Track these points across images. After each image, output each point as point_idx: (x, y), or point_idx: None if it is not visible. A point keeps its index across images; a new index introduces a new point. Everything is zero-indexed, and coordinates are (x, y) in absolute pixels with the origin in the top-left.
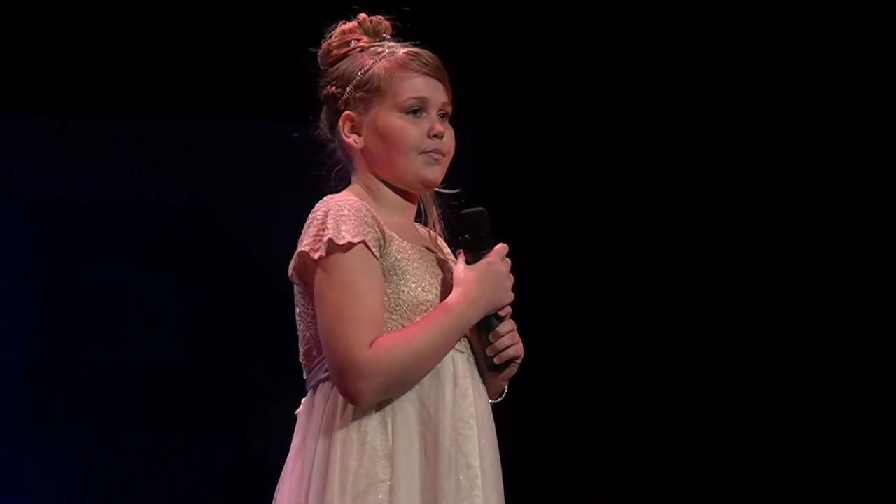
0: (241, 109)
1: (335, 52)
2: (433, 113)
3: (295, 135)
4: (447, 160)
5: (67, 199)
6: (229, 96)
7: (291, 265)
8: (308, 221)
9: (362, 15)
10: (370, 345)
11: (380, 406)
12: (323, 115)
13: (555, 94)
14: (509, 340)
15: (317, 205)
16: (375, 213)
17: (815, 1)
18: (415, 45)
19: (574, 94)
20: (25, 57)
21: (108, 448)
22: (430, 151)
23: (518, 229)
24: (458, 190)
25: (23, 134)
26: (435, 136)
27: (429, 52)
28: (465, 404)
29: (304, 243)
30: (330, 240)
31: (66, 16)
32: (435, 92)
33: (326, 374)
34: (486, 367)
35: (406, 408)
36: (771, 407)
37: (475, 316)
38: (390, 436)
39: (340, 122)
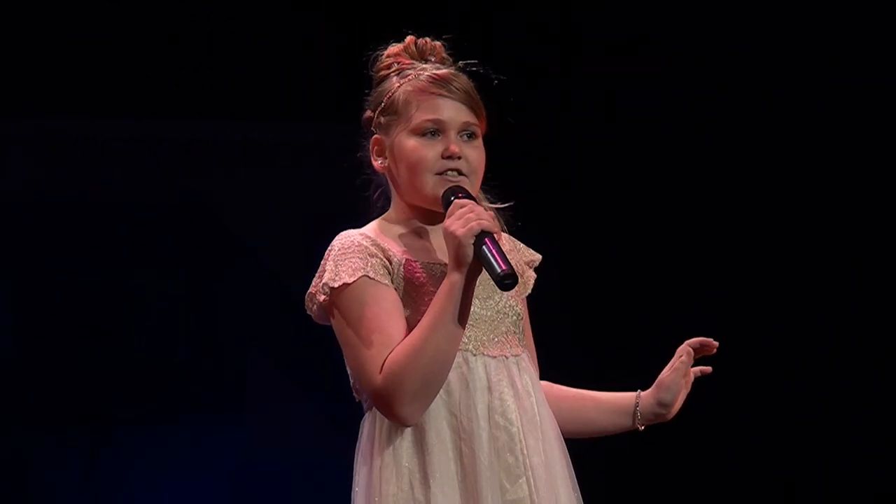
0: (241, 109)
1: (377, 75)
2: (451, 134)
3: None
4: (471, 181)
5: (68, 199)
6: (229, 96)
7: (307, 308)
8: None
9: (410, 37)
10: (381, 369)
11: (414, 428)
12: None
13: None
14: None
15: (333, 241)
16: (384, 241)
17: (816, 2)
18: (456, 67)
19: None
20: (25, 57)
21: (108, 448)
22: (446, 172)
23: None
24: (510, 203)
25: (23, 134)
26: (449, 157)
27: (459, 76)
28: (500, 406)
29: (312, 285)
30: (326, 284)
31: (67, 16)
32: (454, 113)
33: (366, 404)
34: (499, 286)
35: (439, 424)
36: (771, 408)
37: (458, 275)
38: (425, 454)
39: (371, 146)
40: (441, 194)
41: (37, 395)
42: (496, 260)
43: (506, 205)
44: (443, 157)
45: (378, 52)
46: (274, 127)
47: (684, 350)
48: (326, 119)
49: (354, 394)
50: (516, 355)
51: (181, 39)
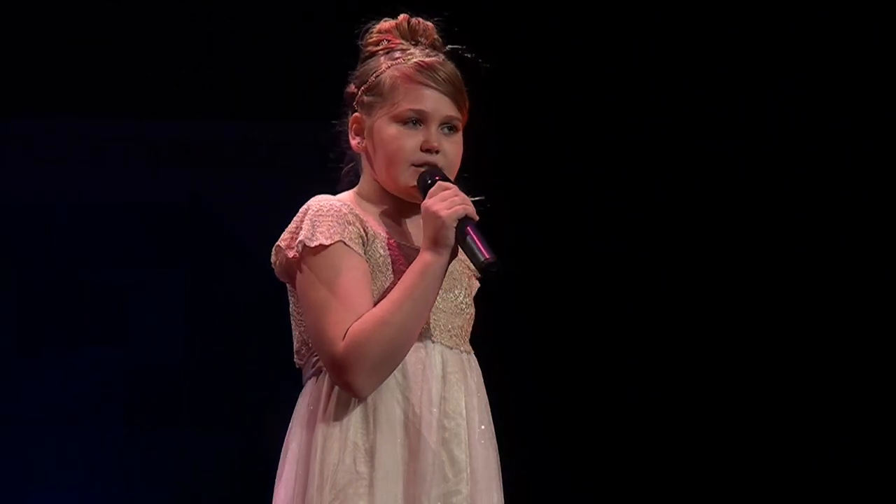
0: (241, 109)
1: (365, 50)
2: (433, 126)
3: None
4: (449, 176)
5: (67, 199)
6: (229, 96)
7: (273, 261)
8: (293, 219)
9: (404, 15)
10: (344, 336)
11: (363, 402)
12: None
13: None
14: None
15: (306, 203)
16: (362, 213)
17: (816, 3)
18: (443, 53)
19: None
20: (25, 57)
21: (108, 448)
22: (422, 165)
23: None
24: (481, 197)
25: (23, 134)
26: (428, 150)
27: (446, 65)
28: (453, 399)
29: (281, 238)
30: (301, 242)
31: (67, 16)
32: (438, 105)
33: (313, 369)
34: (483, 273)
35: (390, 404)
36: (771, 409)
37: (435, 256)
38: (372, 431)
39: (350, 122)
40: (416, 181)
41: (36, 395)
42: (479, 248)
43: (477, 199)
44: (421, 150)
45: (369, 25)
46: (274, 127)
47: None
48: (326, 119)
49: (296, 358)
50: (468, 352)
51: (181, 39)
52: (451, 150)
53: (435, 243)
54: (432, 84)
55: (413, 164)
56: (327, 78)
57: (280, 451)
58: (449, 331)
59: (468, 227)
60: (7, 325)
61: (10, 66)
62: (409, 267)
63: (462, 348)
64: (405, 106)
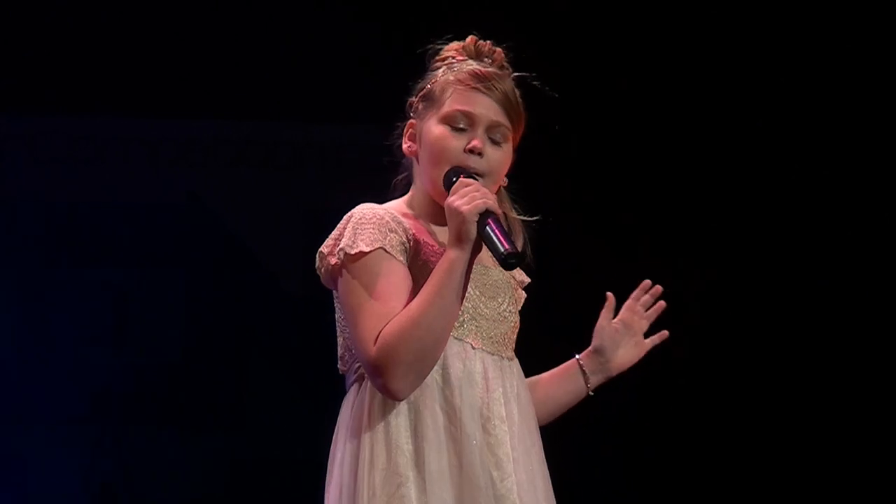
0: (241, 109)
1: (431, 65)
2: (479, 129)
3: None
4: (487, 182)
5: (67, 199)
6: (229, 96)
7: (317, 266)
8: (338, 224)
9: (472, 37)
10: (377, 340)
11: (407, 407)
12: None
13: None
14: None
15: (353, 209)
16: (407, 221)
17: (816, 3)
18: (510, 75)
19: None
20: (25, 57)
21: (108, 448)
22: (465, 168)
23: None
24: (537, 217)
25: (23, 134)
26: (471, 151)
27: (504, 78)
28: (494, 405)
29: (325, 244)
30: (342, 249)
31: (67, 15)
32: (487, 110)
33: (356, 374)
34: (503, 265)
35: (433, 408)
36: (770, 410)
37: (459, 252)
38: (418, 436)
39: (405, 129)
40: (441, 180)
41: (36, 395)
42: (500, 239)
43: (533, 218)
44: (465, 151)
45: (439, 46)
46: (274, 127)
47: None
48: (326, 119)
49: (339, 364)
50: (510, 359)
51: (181, 39)
52: (496, 158)
53: (458, 238)
54: (484, 90)
55: (454, 167)
56: (328, 79)
57: (279, 450)
58: (491, 338)
59: (489, 220)
60: (7, 325)
61: (10, 66)
62: (436, 266)
63: (504, 355)
64: (453, 106)
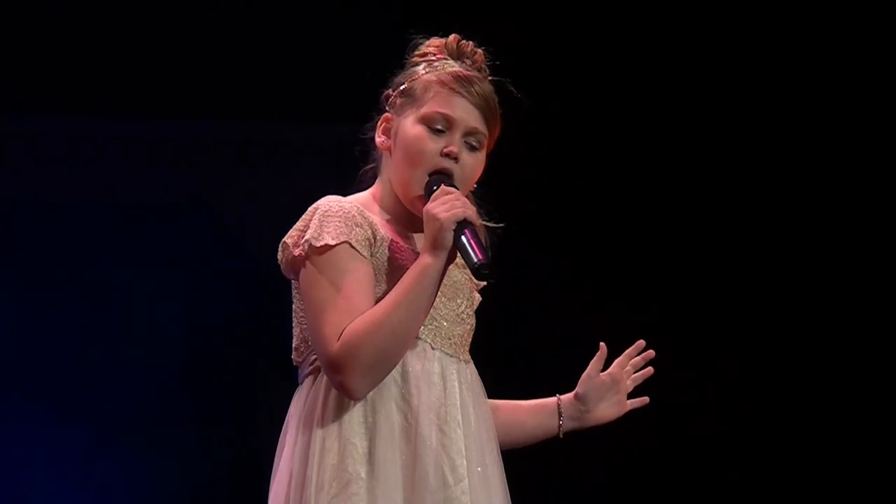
0: (241, 109)
1: (410, 60)
2: (457, 134)
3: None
4: (460, 188)
5: (67, 199)
6: (229, 96)
7: (280, 257)
8: (303, 215)
9: (455, 35)
10: (339, 337)
11: (362, 403)
12: None
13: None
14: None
15: (318, 201)
16: (374, 216)
17: (817, 3)
18: (489, 77)
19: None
20: (25, 57)
21: (108, 448)
22: (437, 171)
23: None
24: (501, 225)
25: (23, 134)
26: (447, 155)
27: (484, 83)
28: (451, 407)
29: (288, 235)
30: (307, 241)
31: (66, 15)
32: (466, 115)
33: (311, 367)
34: (475, 275)
35: (389, 407)
36: (771, 409)
37: (433, 259)
38: (371, 433)
39: (379, 121)
40: (423, 188)
41: (36, 395)
42: (474, 250)
43: (498, 225)
44: (441, 154)
45: (420, 41)
46: (274, 127)
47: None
48: (326, 119)
49: (294, 355)
50: (467, 361)
51: (182, 39)
52: (470, 164)
53: (433, 245)
54: (465, 94)
55: (429, 172)
56: (328, 79)
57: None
58: (449, 339)
59: (466, 230)
60: (7, 325)
61: (10, 66)
62: (408, 270)
63: (461, 357)
64: (433, 108)
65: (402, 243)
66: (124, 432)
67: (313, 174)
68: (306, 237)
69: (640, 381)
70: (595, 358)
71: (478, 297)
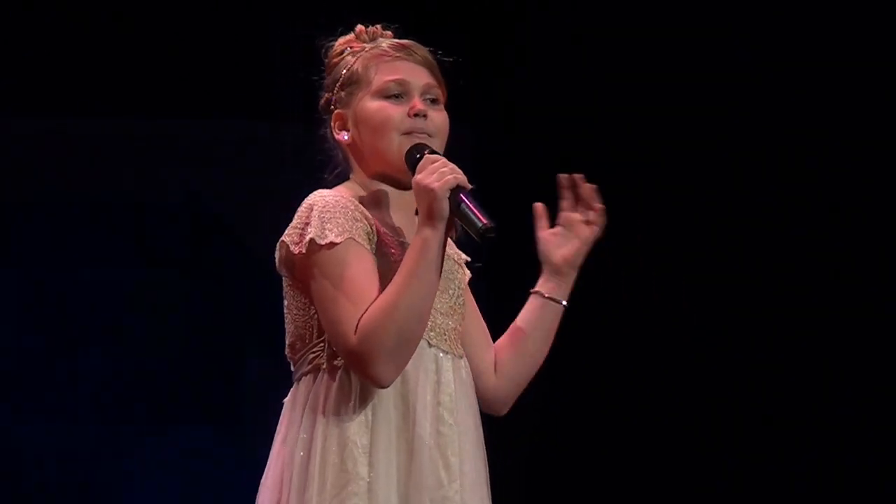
0: (240, 109)
1: (331, 62)
2: (415, 95)
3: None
4: (436, 143)
5: (68, 198)
6: (229, 96)
7: (276, 256)
8: (296, 214)
9: (359, 26)
10: (356, 328)
11: (361, 401)
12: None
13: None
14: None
15: (306, 198)
16: (365, 209)
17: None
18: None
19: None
20: (25, 57)
21: (108, 448)
22: (413, 132)
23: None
24: (471, 187)
25: (23, 134)
26: (416, 115)
27: (416, 44)
28: (446, 402)
29: (286, 234)
30: (311, 240)
31: (66, 15)
32: (415, 75)
33: (310, 366)
34: (480, 239)
35: (386, 404)
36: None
37: (431, 231)
38: (370, 431)
39: (331, 122)
40: (405, 157)
41: (36, 395)
42: (476, 215)
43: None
44: (409, 116)
45: (329, 43)
46: (273, 127)
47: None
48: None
49: (288, 352)
50: (461, 356)
51: (182, 39)
52: (440, 118)
53: (429, 217)
54: (407, 57)
55: (403, 133)
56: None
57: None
58: (444, 333)
59: (461, 196)
60: (7, 325)
61: (10, 66)
62: (409, 247)
63: (455, 352)
64: (383, 78)
65: (391, 236)
66: (124, 432)
67: (313, 174)
68: (309, 235)
69: (592, 205)
70: (536, 220)
71: (467, 273)
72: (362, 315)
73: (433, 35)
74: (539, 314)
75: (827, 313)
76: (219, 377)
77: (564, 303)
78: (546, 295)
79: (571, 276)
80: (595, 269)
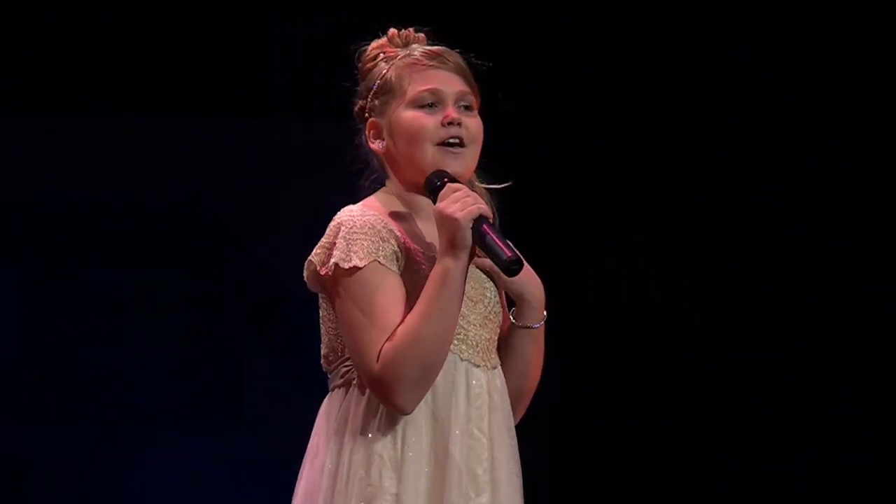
0: (241, 109)
1: (364, 67)
2: (449, 102)
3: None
4: (472, 151)
5: (67, 199)
6: (229, 96)
7: (304, 273)
8: (326, 231)
9: (392, 30)
10: (378, 356)
11: (389, 417)
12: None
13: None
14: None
15: (337, 214)
16: (394, 225)
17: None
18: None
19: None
20: (25, 57)
21: (108, 448)
22: (447, 142)
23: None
24: (508, 183)
25: (24, 134)
26: (450, 123)
27: (449, 51)
28: (477, 417)
29: (314, 252)
30: (335, 263)
31: (67, 15)
32: (449, 83)
33: (342, 379)
34: (506, 273)
35: (418, 420)
36: (769, 410)
37: (453, 261)
38: (399, 446)
39: (366, 131)
40: (424, 184)
41: (36, 395)
42: (500, 246)
43: (503, 185)
44: (442, 125)
45: (363, 47)
46: (273, 127)
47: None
48: (326, 119)
49: (323, 363)
50: (494, 367)
51: (181, 39)
52: (474, 125)
53: (452, 246)
54: (438, 65)
55: (437, 144)
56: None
57: (285, 451)
58: (476, 346)
59: (484, 226)
60: (7, 325)
61: (10, 66)
62: (430, 276)
63: (488, 364)
64: (417, 88)
65: (424, 251)
66: (124, 432)
67: (313, 174)
68: (333, 259)
69: None
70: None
71: (504, 277)
72: (384, 343)
73: (433, 35)
74: (513, 340)
75: (827, 313)
76: (219, 377)
77: (535, 325)
78: (519, 324)
79: (526, 304)
80: (595, 269)
